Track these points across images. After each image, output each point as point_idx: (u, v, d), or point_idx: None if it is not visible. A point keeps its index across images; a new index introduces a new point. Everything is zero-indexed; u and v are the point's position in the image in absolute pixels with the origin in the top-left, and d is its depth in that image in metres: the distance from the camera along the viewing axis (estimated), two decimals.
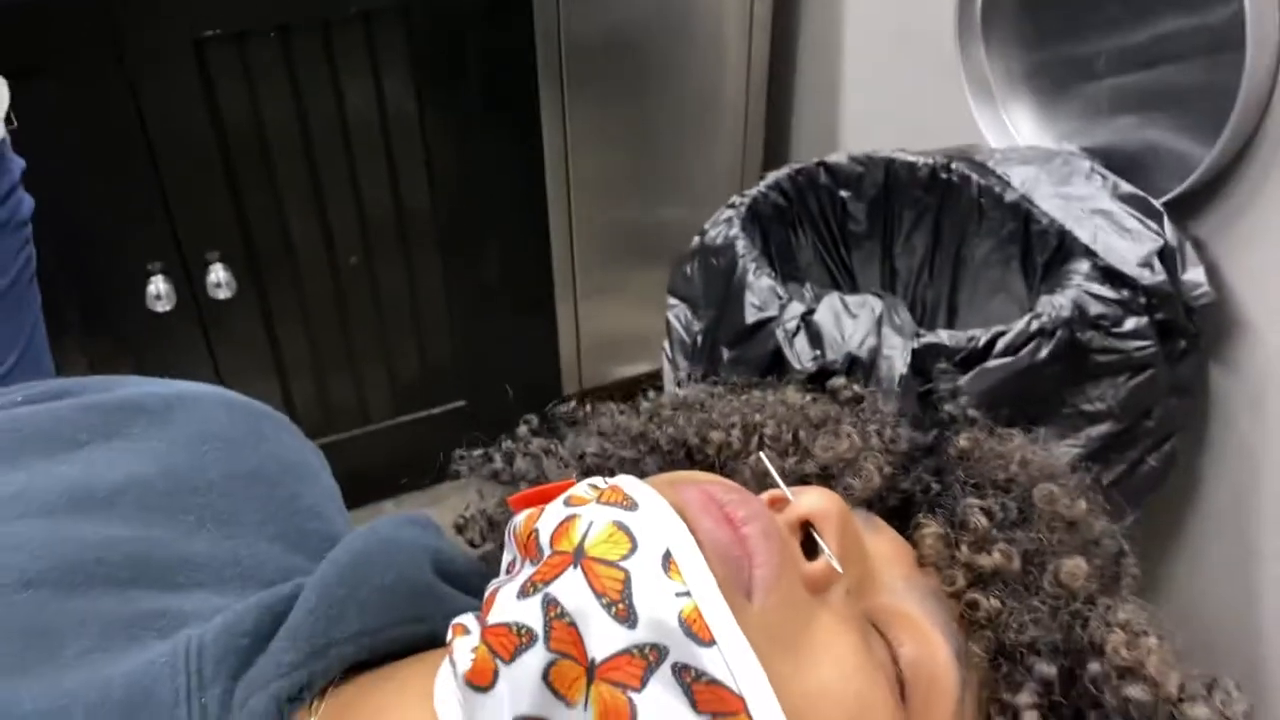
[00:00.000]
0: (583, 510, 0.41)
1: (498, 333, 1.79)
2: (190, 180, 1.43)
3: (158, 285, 1.45)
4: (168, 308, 1.46)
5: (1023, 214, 1.18)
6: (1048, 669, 0.44)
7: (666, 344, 1.24)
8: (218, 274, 1.48)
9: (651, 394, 0.66)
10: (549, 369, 1.89)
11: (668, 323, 1.23)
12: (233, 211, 1.48)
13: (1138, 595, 0.50)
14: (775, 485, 0.48)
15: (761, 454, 0.51)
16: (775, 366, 1.04)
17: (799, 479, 0.54)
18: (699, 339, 1.19)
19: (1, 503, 0.45)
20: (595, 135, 1.70)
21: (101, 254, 1.44)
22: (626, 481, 0.43)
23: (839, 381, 0.61)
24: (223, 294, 1.49)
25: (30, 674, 0.39)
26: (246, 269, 1.52)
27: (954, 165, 1.23)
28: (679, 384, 1.18)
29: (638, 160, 1.78)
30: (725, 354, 1.12)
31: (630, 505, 0.41)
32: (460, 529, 0.61)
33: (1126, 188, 1.10)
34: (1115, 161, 1.15)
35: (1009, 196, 1.19)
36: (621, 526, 0.40)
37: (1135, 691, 0.43)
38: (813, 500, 0.44)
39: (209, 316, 1.54)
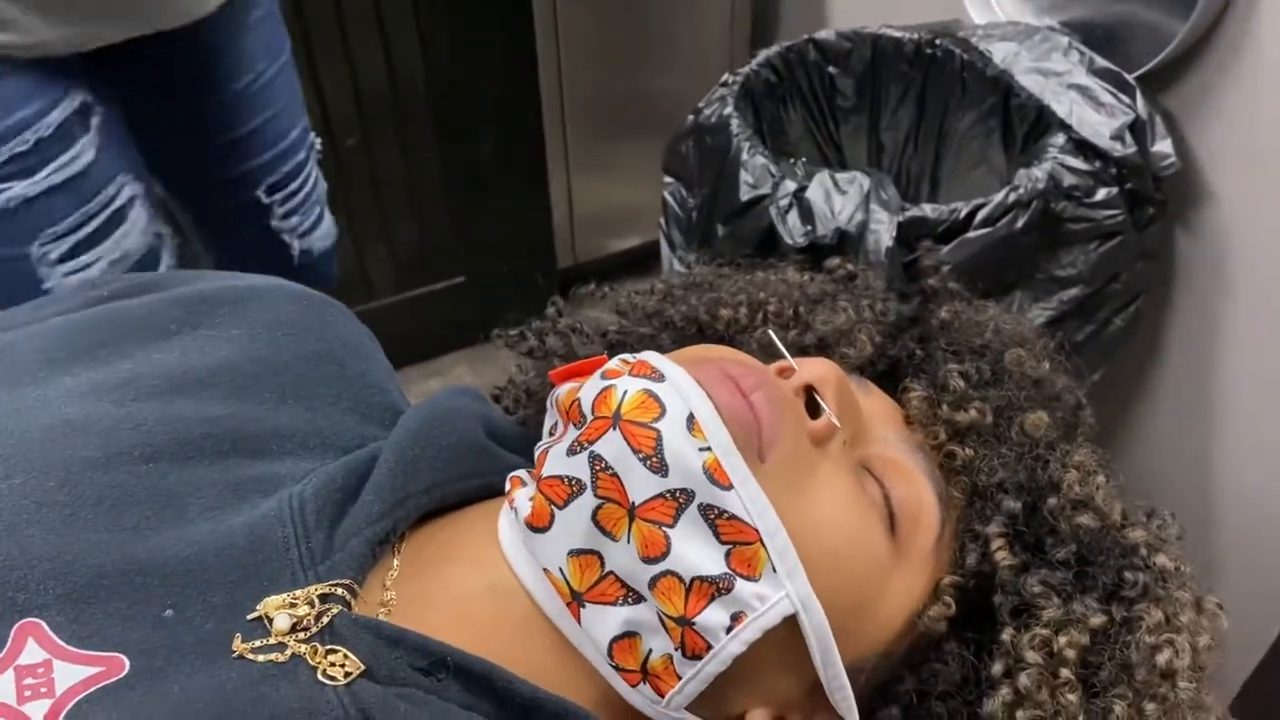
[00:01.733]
0: (617, 381, 0.49)
1: (493, 208, 1.83)
2: None
3: None
4: None
5: (1003, 88, 1.23)
6: (1013, 504, 0.52)
7: (662, 220, 1.30)
8: None
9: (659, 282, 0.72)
10: (544, 244, 1.94)
11: (663, 200, 1.29)
12: None
13: (1093, 441, 0.59)
14: (780, 356, 0.55)
15: (770, 330, 0.58)
16: (768, 242, 1.11)
17: (800, 349, 0.62)
18: (694, 215, 1.24)
19: (117, 387, 0.51)
20: (585, 4, 1.72)
21: None
22: (652, 356, 0.51)
23: (834, 261, 0.68)
24: None
25: (164, 529, 0.47)
26: None
27: (938, 41, 1.27)
28: (677, 259, 1.24)
29: (627, 30, 1.79)
30: (720, 230, 1.18)
31: (658, 377, 0.48)
32: (497, 398, 0.69)
33: (1101, 63, 1.15)
34: (1092, 36, 1.20)
35: (990, 72, 1.23)
36: (651, 394, 0.47)
37: (1085, 519, 0.51)
38: (813, 369, 0.52)
39: None
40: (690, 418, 0.47)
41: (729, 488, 0.46)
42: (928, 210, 1.06)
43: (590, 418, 0.48)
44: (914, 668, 0.52)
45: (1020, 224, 1.07)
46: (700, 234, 1.23)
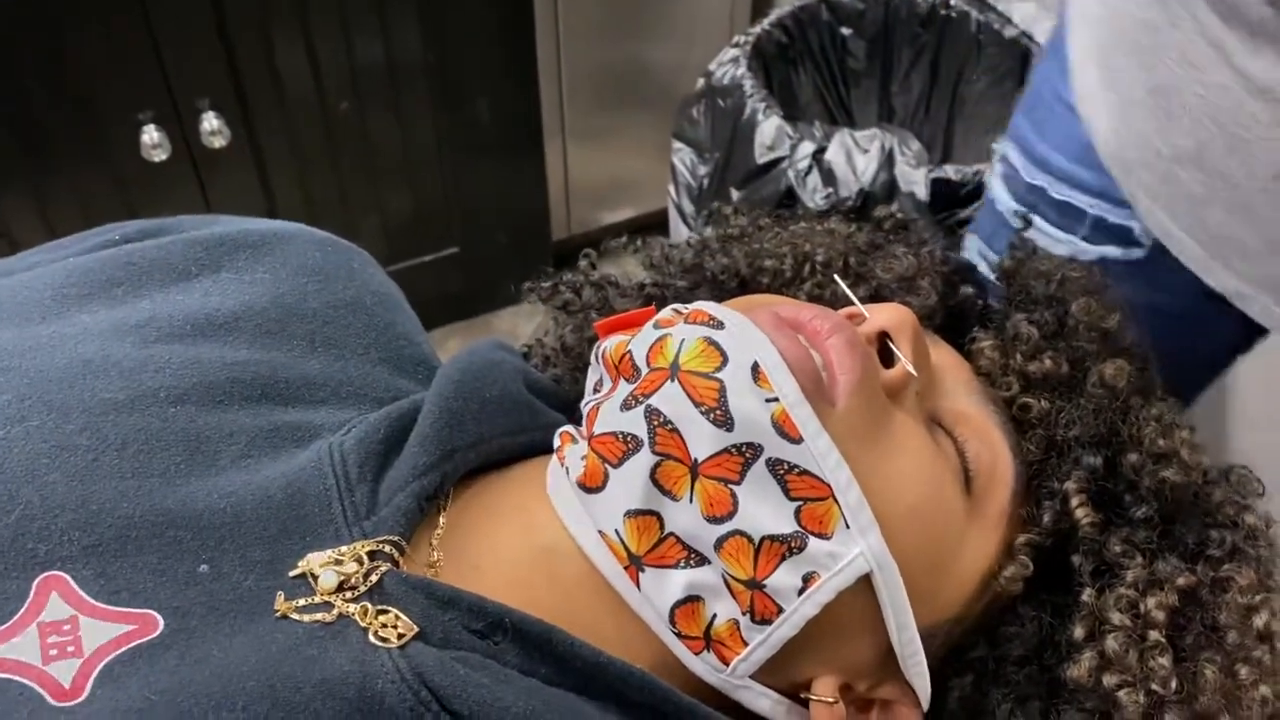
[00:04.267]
0: (672, 330, 0.46)
1: (488, 179, 1.79)
2: (179, 26, 1.40)
3: (151, 134, 1.43)
4: (163, 157, 1.45)
5: (1021, 50, 1.20)
6: (1093, 459, 0.49)
7: (671, 189, 1.27)
8: (210, 121, 1.46)
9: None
10: (539, 215, 1.90)
11: (672, 167, 1.25)
12: (223, 58, 1.45)
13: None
14: (838, 307, 0.52)
15: (835, 277, 0.55)
16: (786, 207, 1.08)
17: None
18: (705, 182, 1.21)
19: (138, 327, 0.48)
20: None
21: (95, 102, 1.41)
22: (708, 305, 0.47)
23: (883, 210, 0.65)
24: (218, 142, 1.47)
25: (194, 477, 0.43)
26: (239, 117, 1.51)
27: (954, 2, 1.25)
28: (688, 228, 1.21)
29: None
30: (734, 196, 1.15)
31: (716, 324, 0.45)
32: (526, 356, 0.65)
33: None
34: None
35: (1009, 33, 1.21)
36: (711, 342, 0.44)
37: (1169, 474, 0.49)
38: (889, 314, 0.49)
39: (204, 165, 1.52)
40: (755, 367, 0.43)
41: (799, 441, 0.42)
42: (950, 171, 1.03)
43: (645, 370, 0.45)
44: (988, 632, 0.50)
45: None
46: (712, 201, 1.20)
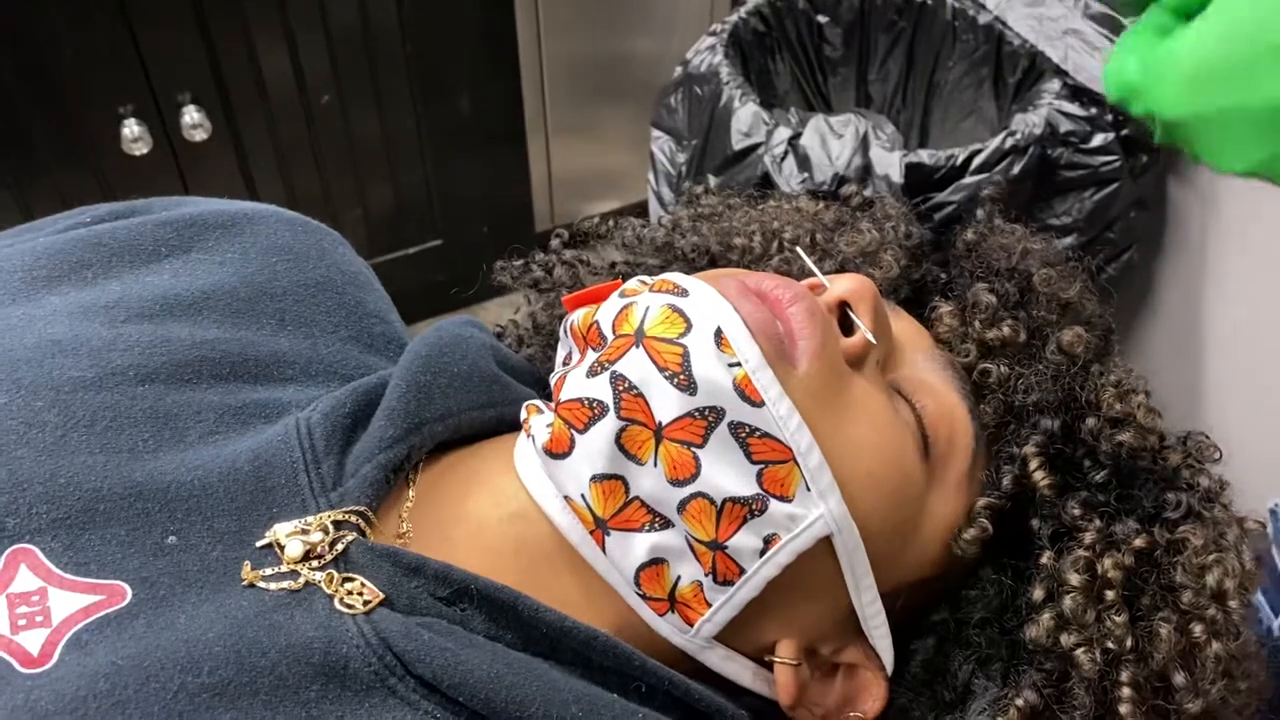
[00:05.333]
0: (638, 298, 0.46)
1: (471, 170, 1.79)
2: (159, 19, 1.40)
3: (132, 128, 1.43)
4: (144, 150, 1.45)
5: (995, 35, 1.21)
6: (1051, 423, 0.50)
7: (651, 177, 1.27)
8: (192, 115, 1.46)
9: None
10: (522, 206, 1.91)
11: (651, 155, 1.26)
12: (203, 51, 1.45)
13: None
14: (803, 278, 0.53)
15: (798, 249, 0.56)
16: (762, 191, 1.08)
17: None
18: (683, 170, 1.22)
19: (107, 308, 0.48)
20: None
21: (75, 96, 1.41)
22: (674, 274, 0.48)
23: (850, 188, 0.66)
24: (199, 135, 1.47)
25: (162, 453, 0.44)
26: (220, 110, 1.51)
27: None
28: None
29: None
30: (711, 183, 1.15)
31: (681, 292, 0.46)
32: (499, 335, 0.66)
33: (1097, 7, 1.14)
34: None
35: (982, 19, 1.21)
36: (675, 309, 0.45)
37: (1126, 437, 0.50)
38: (848, 283, 0.50)
39: (185, 158, 1.52)
40: (718, 332, 0.44)
41: (760, 404, 0.43)
42: (924, 156, 1.04)
43: (611, 337, 0.46)
44: (949, 596, 0.50)
45: (1016, 170, 1.05)
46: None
